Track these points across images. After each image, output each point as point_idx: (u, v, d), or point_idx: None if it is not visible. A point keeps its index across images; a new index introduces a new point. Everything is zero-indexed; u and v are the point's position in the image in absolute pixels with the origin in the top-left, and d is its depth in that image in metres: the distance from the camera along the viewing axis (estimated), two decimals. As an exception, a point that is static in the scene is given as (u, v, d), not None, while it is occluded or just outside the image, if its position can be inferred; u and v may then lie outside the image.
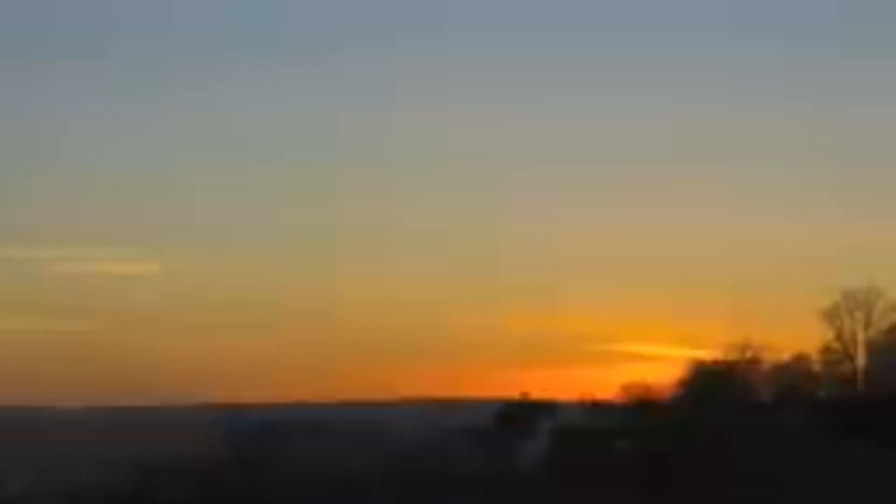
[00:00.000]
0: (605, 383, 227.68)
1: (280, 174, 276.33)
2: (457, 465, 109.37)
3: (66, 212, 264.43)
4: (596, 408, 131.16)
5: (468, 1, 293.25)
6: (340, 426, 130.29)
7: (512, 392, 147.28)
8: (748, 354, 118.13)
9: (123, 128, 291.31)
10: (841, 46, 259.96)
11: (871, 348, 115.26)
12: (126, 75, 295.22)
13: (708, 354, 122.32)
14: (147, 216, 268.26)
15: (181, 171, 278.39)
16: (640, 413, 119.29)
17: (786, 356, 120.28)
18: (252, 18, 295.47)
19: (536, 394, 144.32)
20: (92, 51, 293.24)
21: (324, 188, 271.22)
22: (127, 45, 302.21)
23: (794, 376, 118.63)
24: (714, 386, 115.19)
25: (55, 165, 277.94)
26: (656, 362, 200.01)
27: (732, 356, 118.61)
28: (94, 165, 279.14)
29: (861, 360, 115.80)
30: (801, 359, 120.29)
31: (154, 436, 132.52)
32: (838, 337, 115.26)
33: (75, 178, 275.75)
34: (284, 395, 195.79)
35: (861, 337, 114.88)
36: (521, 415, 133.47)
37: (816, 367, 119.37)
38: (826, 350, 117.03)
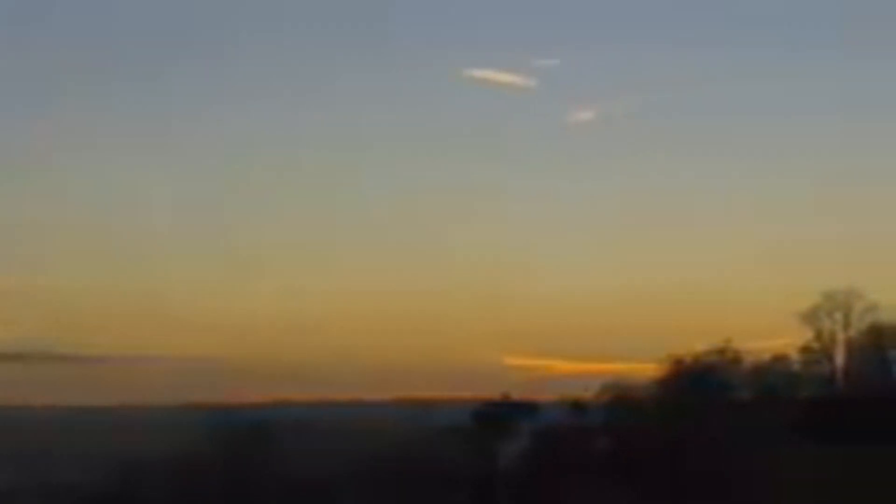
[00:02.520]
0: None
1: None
2: (439, 464, 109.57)
3: None
4: (576, 407, 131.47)
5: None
6: (323, 426, 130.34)
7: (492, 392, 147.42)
8: (728, 355, 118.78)
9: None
10: (826, 43, 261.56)
11: (851, 349, 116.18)
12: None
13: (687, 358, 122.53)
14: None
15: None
16: (620, 412, 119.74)
17: (766, 356, 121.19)
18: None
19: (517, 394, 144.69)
20: None
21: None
22: None
23: (773, 376, 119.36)
24: (694, 385, 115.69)
25: None
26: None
27: (712, 357, 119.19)
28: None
29: (840, 360, 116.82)
30: (780, 359, 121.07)
31: (138, 435, 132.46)
32: (818, 337, 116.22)
33: None
34: (268, 395, 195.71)
35: (840, 337, 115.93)
36: (501, 414, 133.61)
37: (796, 368, 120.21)
38: (805, 350, 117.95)
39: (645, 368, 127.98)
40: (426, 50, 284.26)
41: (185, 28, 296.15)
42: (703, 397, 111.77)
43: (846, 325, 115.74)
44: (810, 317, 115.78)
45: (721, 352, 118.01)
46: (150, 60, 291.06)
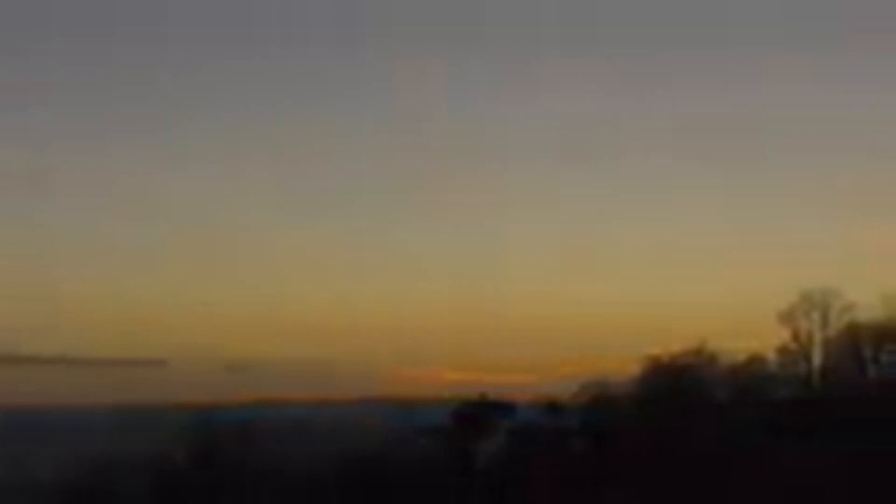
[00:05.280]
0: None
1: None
2: (417, 464, 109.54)
3: None
4: (554, 408, 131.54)
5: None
6: (302, 426, 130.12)
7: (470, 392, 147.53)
8: (705, 354, 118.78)
9: None
10: (806, 45, 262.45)
11: (828, 348, 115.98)
12: None
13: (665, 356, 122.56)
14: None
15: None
16: (597, 412, 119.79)
17: (742, 356, 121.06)
18: None
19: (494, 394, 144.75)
20: None
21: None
22: None
23: (750, 376, 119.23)
24: (671, 385, 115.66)
25: None
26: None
27: (689, 356, 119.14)
28: None
29: (817, 360, 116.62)
30: (757, 359, 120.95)
31: (117, 435, 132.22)
32: (795, 337, 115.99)
33: None
34: (248, 395, 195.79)
35: (818, 337, 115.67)
36: (479, 414, 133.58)
37: (773, 368, 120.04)
38: (783, 350, 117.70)
39: (623, 368, 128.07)
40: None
41: None
42: (679, 397, 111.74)
43: (824, 324, 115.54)
44: (787, 316, 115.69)
45: (697, 352, 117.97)
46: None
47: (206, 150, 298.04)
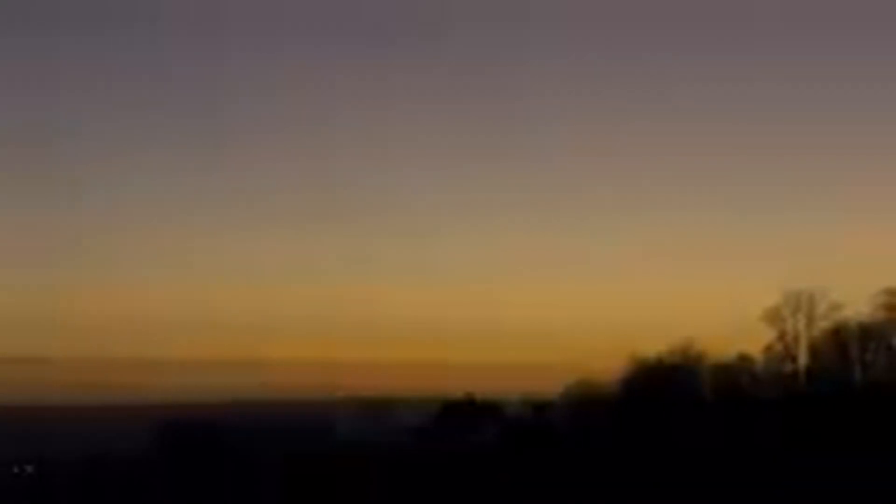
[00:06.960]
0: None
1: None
2: (403, 463, 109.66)
3: None
4: (540, 407, 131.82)
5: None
6: (286, 425, 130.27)
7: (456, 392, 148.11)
8: (692, 354, 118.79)
9: None
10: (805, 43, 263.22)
11: (814, 349, 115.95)
12: None
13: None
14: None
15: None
16: (584, 412, 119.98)
17: (729, 356, 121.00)
18: None
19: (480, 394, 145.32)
20: None
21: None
22: None
23: (737, 376, 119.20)
24: (658, 385, 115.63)
25: None
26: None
27: (675, 356, 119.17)
28: None
29: (803, 360, 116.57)
30: (743, 359, 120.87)
31: (94, 433, 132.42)
32: (781, 337, 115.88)
33: None
34: (233, 395, 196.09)
35: (803, 337, 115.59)
36: (465, 414, 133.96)
37: (759, 368, 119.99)
38: (769, 350, 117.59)
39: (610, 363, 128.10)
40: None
41: None
42: (666, 397, 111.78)
43: (809, 324, 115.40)
44: (773, 317, 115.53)
45: (684, 352, 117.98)
46: None
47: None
